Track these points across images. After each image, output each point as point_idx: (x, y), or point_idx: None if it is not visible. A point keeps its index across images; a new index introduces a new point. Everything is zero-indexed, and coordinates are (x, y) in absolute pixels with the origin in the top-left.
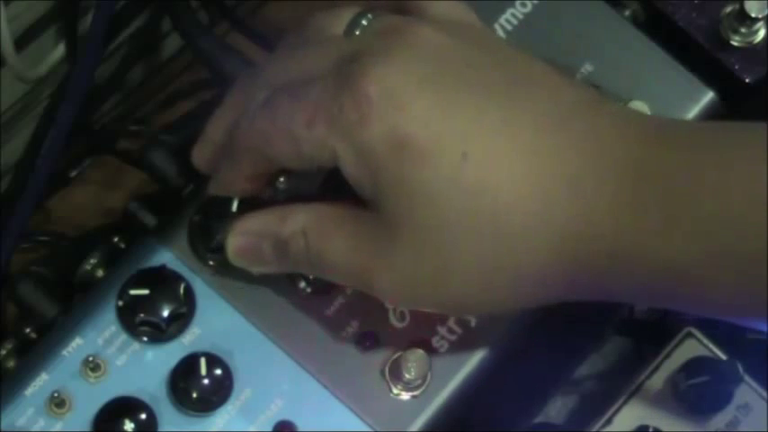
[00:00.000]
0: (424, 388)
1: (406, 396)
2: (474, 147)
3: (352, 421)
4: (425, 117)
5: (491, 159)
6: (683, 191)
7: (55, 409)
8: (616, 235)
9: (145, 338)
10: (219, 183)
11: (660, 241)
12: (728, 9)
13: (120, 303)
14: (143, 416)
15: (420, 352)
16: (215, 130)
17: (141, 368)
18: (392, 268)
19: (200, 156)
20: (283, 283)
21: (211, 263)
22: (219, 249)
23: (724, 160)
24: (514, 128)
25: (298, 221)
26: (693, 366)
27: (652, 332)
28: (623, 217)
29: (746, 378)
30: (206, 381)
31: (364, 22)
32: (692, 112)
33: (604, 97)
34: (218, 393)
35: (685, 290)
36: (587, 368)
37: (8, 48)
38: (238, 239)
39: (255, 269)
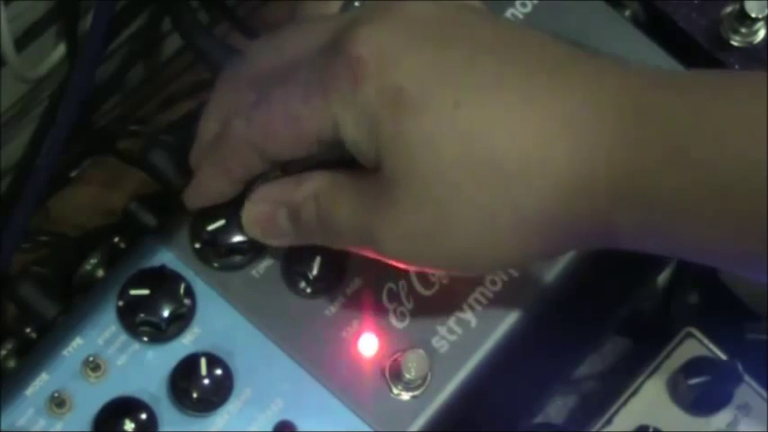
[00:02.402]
0: (424, 388)
1: (406, 396)
2: (466, 94)
3: (352, 421)
4: (417, 70)
5: (484, 105)
6: (685, 128)
7: (55, 409)
8: (615, 173)
9: (145, 338)
10: (202, 191)
11: (660, 179)
12: (728, 9)
13: (121, 303)
14: (143, 416)
15: (420, 352)
16: (209, 127)
17: (141, 368)
18: (394, 224)
19: (200, 156)
20: (283, 283)
21: (213, 263)
22: (220, 249)
23: (727, 99)
24: (507, 75)
25: (310, 186)
26: (693, 366)
27: (652, 332)
28: (622, 155)
29: (746, 378)
30: (206, 381)
31: (357, 3)
32: None
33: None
34: (218, 393)
35: (686, 231)
36: (587, 368)
37: (8, 48)
38: (255, 207)
39: (270, 240)
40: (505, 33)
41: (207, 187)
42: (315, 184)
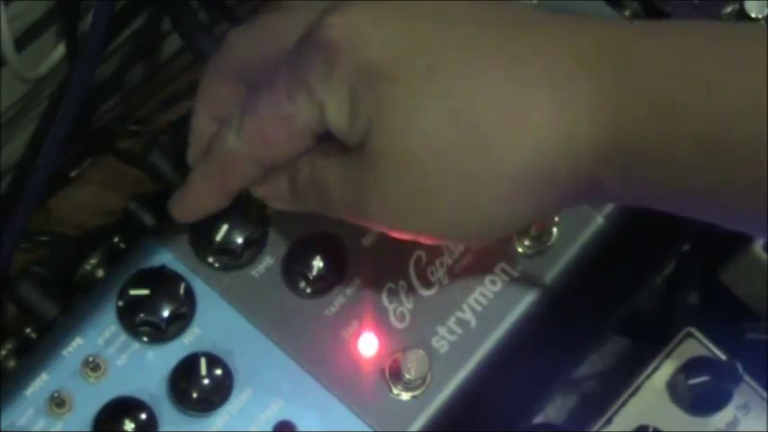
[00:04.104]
0: (424, 388)
1: (406, 396)
2: (439, 59)
3: (352, 421)
4: (388, 43)
5: (458, 68)
6: (672, 77)
7: (55, 409)
8: (599, 126)
9: (145, 338)
10: (195, 206)
11: (647, 130)
12: (728, 9)
13: (121, 303)
14: (143, 416)
15: (420, 352)
16: (201, 125)
17: (141, 368)
18: (381, 194)
19: (197, 153)
20: (283, 283)
21: (213, 263)
22: (220, 249)
23: (720, 51)
24: (481, 39)
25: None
26: (693, 366)
27: (652, 332)
28: (606, 107)
29: (746, 378)
30: (206, 381)
31: None
32: None
33: None
34: (218, 393)
35: (674, 184)
36: (587, 368)
37: (8, 48)
38: None
39: (271, 202)
40: (482, 5)
41: (201, 202)
42: (311, 149)
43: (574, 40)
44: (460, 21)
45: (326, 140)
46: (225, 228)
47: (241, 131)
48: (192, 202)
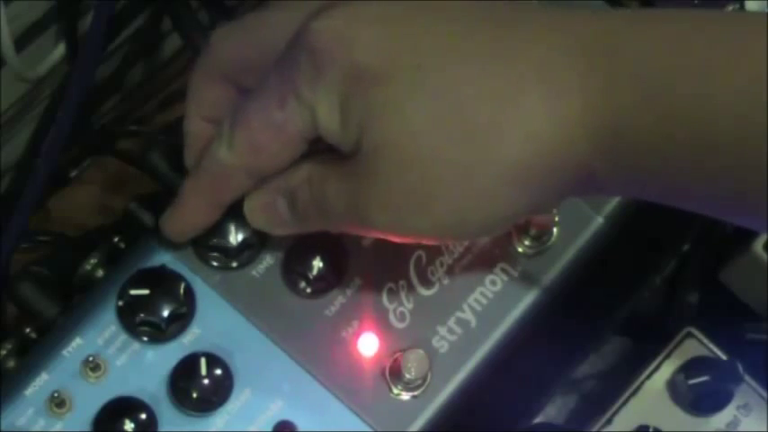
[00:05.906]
0: (424, 388)
1: (406, 396)
2: (428, 57)
3: (352, 421)
4: (375, 44)
5: (448, 63)
6: (664, 67)
7: (55, 408)
8: (591, 115)
9: (145, 338)
10: (190, 222)
11: (639, 119)
12: (729, 9)
13: (120, 303)
14: (143, 416)
15: (420, 352)
16: (193, 127)
17: (141, 368)
18: (379, 196)
19: (193, 155)
20: (283, 283)
21: (213, 263)
22: (220, 249)
23: (710, 38)
24: (469, 34)
25: (304, 171)
26: (693, 366)
27: (652, 332)
28: (598, 96)
29: (746, 378)
30: (206, 381)
31: None
32: None
33: None
34: (218, 393)
35: (669, 174)
36: (587, 368)
37: (8, 48)
38: (255, 198)
39: (273, 229)
40: (464, 2)
41: (194, 218)
42: (307, 169)
43: (561, 34)
44: (446, 20)
45: (319, 145)
46: (225, 227)
47: (232, 143)
48: (185, 219)
